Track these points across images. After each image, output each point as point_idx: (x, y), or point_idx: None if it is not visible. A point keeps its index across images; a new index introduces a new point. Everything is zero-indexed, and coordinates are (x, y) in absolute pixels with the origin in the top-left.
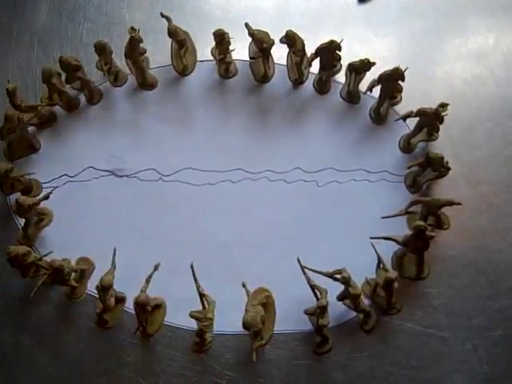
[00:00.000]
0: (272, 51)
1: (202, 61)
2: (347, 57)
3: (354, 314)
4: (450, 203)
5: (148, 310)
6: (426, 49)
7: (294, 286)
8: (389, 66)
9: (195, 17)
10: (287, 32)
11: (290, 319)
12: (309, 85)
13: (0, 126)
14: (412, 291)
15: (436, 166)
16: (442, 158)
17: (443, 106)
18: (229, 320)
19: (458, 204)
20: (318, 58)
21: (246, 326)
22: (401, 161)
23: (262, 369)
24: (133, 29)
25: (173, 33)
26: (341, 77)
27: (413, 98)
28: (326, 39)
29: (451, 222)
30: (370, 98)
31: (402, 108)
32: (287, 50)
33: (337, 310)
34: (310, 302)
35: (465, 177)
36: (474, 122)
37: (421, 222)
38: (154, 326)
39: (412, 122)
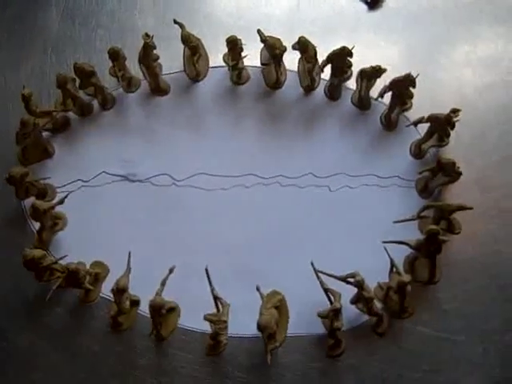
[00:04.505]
0: (283, 57)
1: (214, 67)
2: (357, 63)
3: (366, 317)
4: (462, 208)
5: (163, 313)
6: (435, 55)
7: (306, 289)
8: (398, 73)
9: (206, 23)
10: (300, 38)
11: (302, 322)
12: (320, 91)
13: (16, 131)
14: (424, 295)
15: (447, 171)
16: (454, 162)
17: (455, 111)
18: (241, 323)
19: (470, 209)
20: (330, 65)
21: (260, 328)
22: (412, 166)
23: (274, 372)
24: (147, 35)
25: (186, 39)
26: (352, 83)
27: (423, 104)
28: (336, 46)
29: (463, 226)
30: (381, 104)
31: (412, 114)
32: (298, 56)
33: (349, 313)
34: (323, 305)
35: (476, 182)
36: (484, 127)
37: (434, 226)
38: (167, 328)
39: (422, 128)
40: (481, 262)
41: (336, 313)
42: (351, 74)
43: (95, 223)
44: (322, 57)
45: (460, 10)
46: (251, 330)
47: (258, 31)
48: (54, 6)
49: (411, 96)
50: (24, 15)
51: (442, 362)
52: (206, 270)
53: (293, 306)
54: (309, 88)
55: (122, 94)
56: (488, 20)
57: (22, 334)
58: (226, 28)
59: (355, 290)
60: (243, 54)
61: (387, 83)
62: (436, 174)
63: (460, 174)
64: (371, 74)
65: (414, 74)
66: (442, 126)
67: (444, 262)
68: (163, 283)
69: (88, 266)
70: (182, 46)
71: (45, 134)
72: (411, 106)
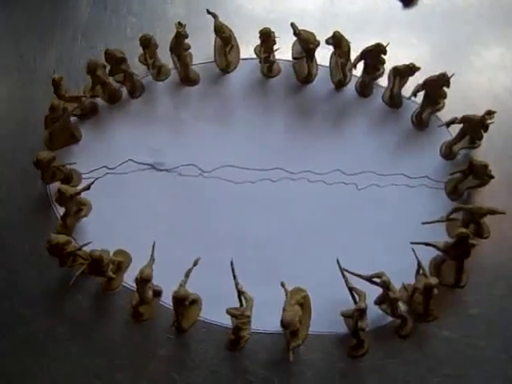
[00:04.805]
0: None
1: (244, 59)
2: (390, 61)
3: (389, 318)
4: (494, 212)
5: (186, 304)
6: (469, 56)
7: (330, 287)
8: (430, 72)
9: (237, 15)
10: (334, 33)
11: (324, 320)
12: (351, 87)
13: (43, 116)
14: (449, 299)
15: (479, 174)
16: (487, 165)
17: (490, 113)
18: (263, 318)
19: (502, 213)
20: (362, 61)
21: (284, 325)
22: (441, 167)
23: (295, 369)
24: (180, 24)
25: (219, 29)
26: (383, 80)
27: (454, 104)
28: (368, 43)
29: (491, 230)
30: (412, 103)
31: (443, 114)
32: (330, 51)
33: (372, 313)
34: (345, 304)
35: (506, 186)
36: None
37: (464, 229)
38: (189, 321)
39: (454, 129)
40: (508, 267)
41: (361, 313)
42: (383, 72)
43: (119, 211)
44: (353, 52)
45: (495, 9)
46: (273, 325)
47: (292, 24)
48: None
49: (444, 96)
50: (55, 1)
51: (465, 366)
52: (231, 263)
53: (315, 303)
54: (340, 83)
55: (151, 83)
56: None
57: (42, 319)
58: (257, 20)
59: (379, 289)
60: (275, 47)
61: (420, 82)
62: (467, 176)
63: (492, 177)
64: (404, 72)
65: (449, 74)
66: (475, 127)
67: (471, 265)
68: (187, 275)
69: (111, 254)
70: (212, 36)
71: (72, 119)
72: (443, 105)
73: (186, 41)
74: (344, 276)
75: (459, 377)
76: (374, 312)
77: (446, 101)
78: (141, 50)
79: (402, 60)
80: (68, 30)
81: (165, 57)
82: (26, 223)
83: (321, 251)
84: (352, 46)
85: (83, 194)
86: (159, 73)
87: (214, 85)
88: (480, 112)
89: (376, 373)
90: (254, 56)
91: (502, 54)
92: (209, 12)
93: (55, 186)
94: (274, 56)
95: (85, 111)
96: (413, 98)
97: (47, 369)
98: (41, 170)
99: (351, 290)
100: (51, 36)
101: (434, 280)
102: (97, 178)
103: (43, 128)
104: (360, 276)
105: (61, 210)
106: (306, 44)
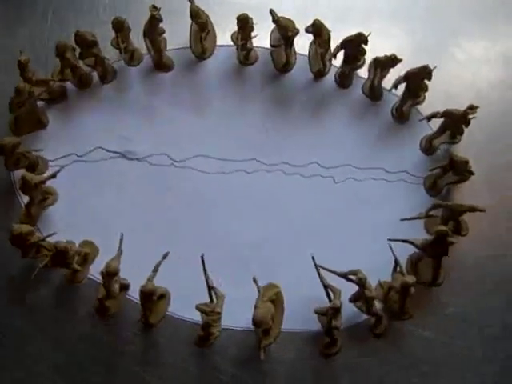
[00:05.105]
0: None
1: (221, 45)
2: (371, 51)
3: (364, 316)
4: (474, 209)
5: (154, 299)
6: (452, 49)
7: (303, 283)
8: (413, 64)
9: (216, 0)
10: (314, 21)
11: (297, 318)
12: (330, 77)
13: (9, 98)
14: (426, 297)
15: (459, 170)
16: (467, 161)
17: (472, 108)
18: (233, 314)
19: (482, 211)
20: (342, 51)
21: (255, 323)
22: (421, 162)
23: (266, 367)
24: (154, 7)
25: (195, 14)
26: (363, 72)
27: (436, 98)
28: (350, 32)
29: (470, 228)
30: (392, 96)
31: (424, 108)
32: (309, 40)
33: (347, 311)
34: (319, 301)
35: (486, 182)
36: (498, 126)
37: (443, 227)
38: (157, 316)
39: (435, 123)
40: (486, 266)
41: (335, 311)
42: (364, 62)
43: (87, 200)
44: (334, 42)
45: (480, 2)
46: (243, 322)
47: (271, 11)
48: None
49: (425, 89)
50: None
51: (440, 365)
52: (202, 257)
53: (289, 300)
54: (319, 73)
55: (124, 67)
56: (508, 16)
57: (2, 313)
58: (236, 6)
59: (354, 286)
60: (253, 34)
61: (402, 74)
62: (447, 172)
63: (471, 173)
64: (386, 64)
65: (431, 67)
66: (456, 122)
67: (448, 263)
68: (156, 269)
69: (77, 245)
70: (188, 21)
71: (39, 103)
72: (424, 98)
73: (161, 25)
74: (319, 273)
75: (434, 375)
76: (348, 309)
77: (428, 94)
78: (113, 34)
79: (384, 51)
80: (37, 9)
81: (138, 41)
82: None
83: (295, 245)
84: (333, 35)
85: (49, 182)
86: (132, 57)
87: (189, 71)
88: (462, 106)
89: (349, 371)
90: (231, 43)
91: (486, 48)
92: None
93: (20, 172)
94: (251, 43)
95: (53, 95)
96: (393, 91)
97: (9, 363)
98: (4, 156)
99: (326, 287)
100: (19, 15)
101: (411, 278)
102: (64, 166)
103: (9, 112)
104: (335, 273)
105: (25, 198)
106: (284, 31)
